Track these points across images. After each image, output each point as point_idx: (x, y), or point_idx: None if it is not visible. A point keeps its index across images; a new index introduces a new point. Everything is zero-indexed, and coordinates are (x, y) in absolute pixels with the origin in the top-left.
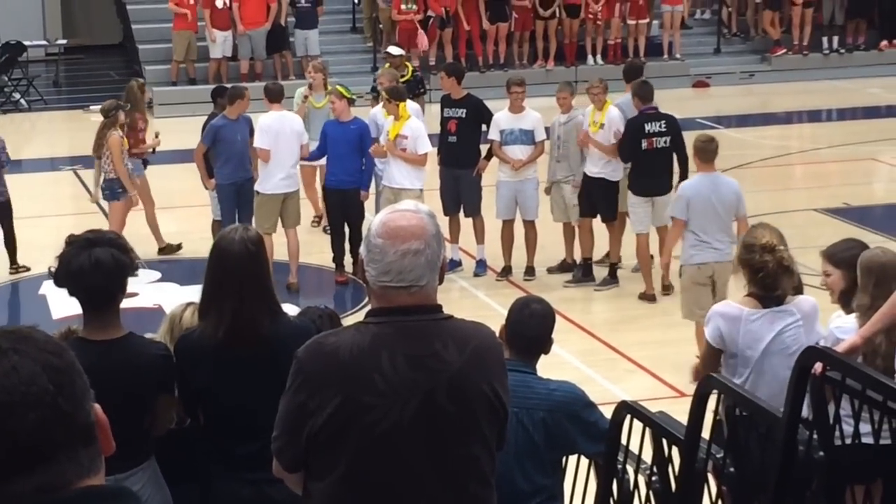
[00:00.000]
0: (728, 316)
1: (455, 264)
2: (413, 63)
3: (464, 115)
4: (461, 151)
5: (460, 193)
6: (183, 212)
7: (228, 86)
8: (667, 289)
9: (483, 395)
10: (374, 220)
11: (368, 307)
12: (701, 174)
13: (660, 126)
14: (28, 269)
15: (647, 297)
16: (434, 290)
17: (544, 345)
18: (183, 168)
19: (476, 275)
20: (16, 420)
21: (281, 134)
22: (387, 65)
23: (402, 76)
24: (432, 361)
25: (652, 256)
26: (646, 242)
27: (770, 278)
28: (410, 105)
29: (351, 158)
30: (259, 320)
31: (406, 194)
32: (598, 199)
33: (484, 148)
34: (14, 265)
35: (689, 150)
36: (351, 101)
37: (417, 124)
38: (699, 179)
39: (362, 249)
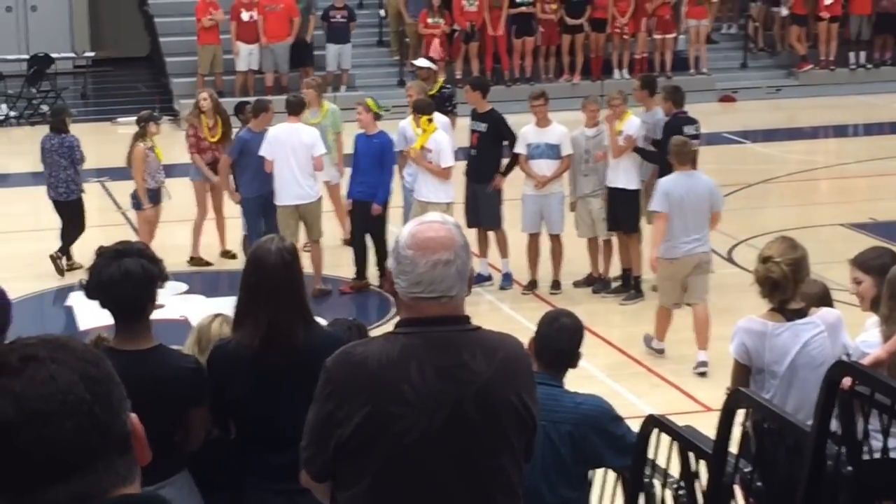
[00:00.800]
0: (752, 331)
1: (483, 278)
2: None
3: (485, 130)
4: (480, 165)
5: (478, 207)
6: (209, 224)
7: (250, 100)
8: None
9: (511, 406)
10: (401, 232)
11: (396, 319)
12: (679, 172)
13: (695, 129)
14: (81, 267)
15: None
16: (462, 300)
17: (572, 358)
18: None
19: (502, 288)
20: (52, 428)
21: (286, 145)
22: (440, 78)
23: (430, 90)
24: (461, 372)
25: None
26: None
27: (770, 288)
28: (439, 118)
29: (373, 172)
30: (294, 329)
31: (433, 208)
32: (619, 211)
33: (505, 162)
34: (60, 254)
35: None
36: (377, 116)
37: (442, 137)
38: (676, 177)
39: (391, 262)
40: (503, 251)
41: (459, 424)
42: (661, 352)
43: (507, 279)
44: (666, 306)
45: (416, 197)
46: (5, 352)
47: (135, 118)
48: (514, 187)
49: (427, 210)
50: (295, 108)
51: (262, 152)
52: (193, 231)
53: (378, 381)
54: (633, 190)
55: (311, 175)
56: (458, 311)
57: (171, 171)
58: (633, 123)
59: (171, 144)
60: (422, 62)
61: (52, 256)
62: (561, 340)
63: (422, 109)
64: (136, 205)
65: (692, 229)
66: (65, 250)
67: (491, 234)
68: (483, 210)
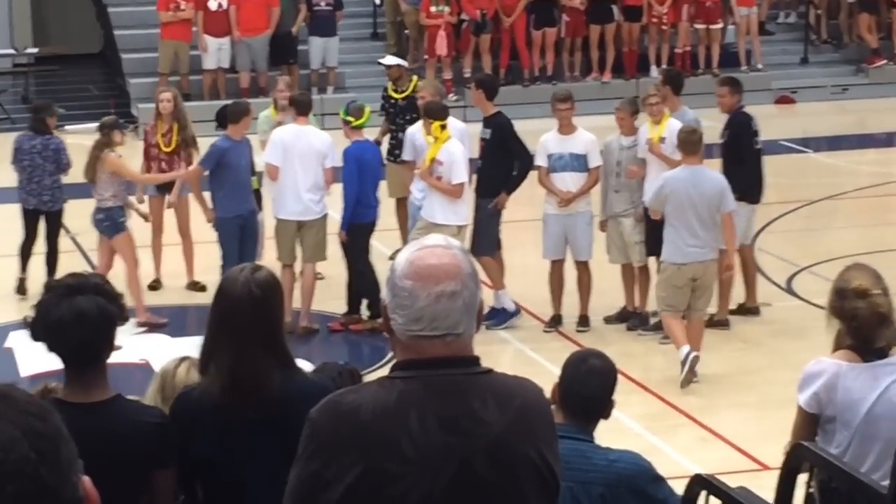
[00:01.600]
0: (823, 374)
1: (509, 315)
2: (442, 75)
3: (488, 137)
4: (481, 177)
5: (476, 226)
6: (173, 250)
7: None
8: (722, 324)
9: (530, 463)
10: (397, 258)
11: (394, 361)
12: (683, 167)
13: (758, 126)
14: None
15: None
16: (471, 338)
17: (603, 407)
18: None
19: (488, 328)
20: None
21: (294, 150)
22: (414, 78)
23: (403, 90)
24: (469, 423)
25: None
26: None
27: (865, 328)
28: (454, 124)
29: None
30: (262, 377)
31: (442, 231)
32: (661, 233)
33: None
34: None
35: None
36: (350, 124)
37: (455, 148)
38: (680, 172)
39: (385, 294)
40: (496, 281)
41: (469, 485)
42: (689, 356)
43: (503, 316)
44: (670, 314)
45: (423, 216)
46: None
47: (88, 125)
48: (533, 206)
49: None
50: (303, 108)
51: (266, 158)
52: (153, 253)
53: (372, 434)
54: None
55: (317, 188)
56: (466, 351)
57: (133, 186)
58: (674, 127)
59: (130, 156)
60: (389, 60)
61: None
62: (590, 386)
63: (433, 114)
64: (112, 227)
65: (699, 232)
66: (54, 271)
67: (487, 262)
68: (480, 229)
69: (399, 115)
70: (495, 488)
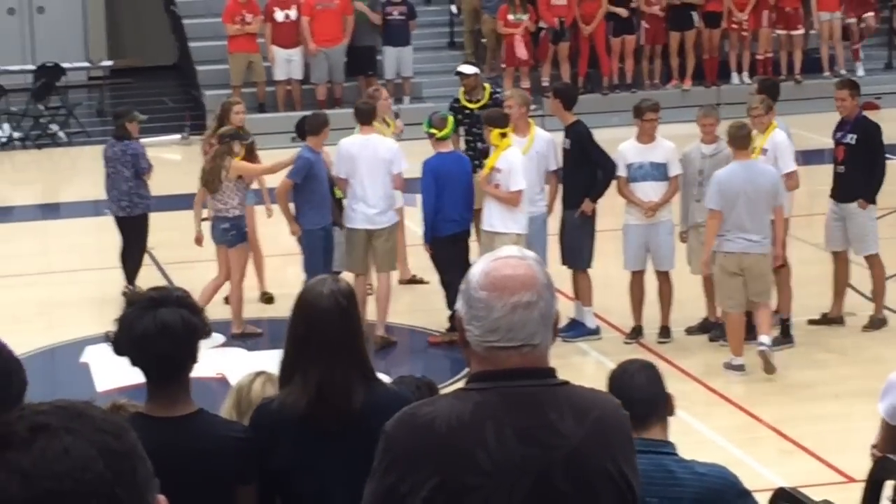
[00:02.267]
0: None
1: (589, 331)
2: (520, 84)
3: (569, 146)
4: (565, 188)
5: (563, 239)
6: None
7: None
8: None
9: (607, 476)
10: (472, 269)
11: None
12: (736, 162)
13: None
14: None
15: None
16: (547, 349)
17: (660, 404)
18: (260, 210)
19: (565, 340)
20: None
21: (360, 160)
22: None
23: (478, 100)
24: (546, 435)
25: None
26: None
27: None
28: (541, 134)
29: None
30: (351, 389)
31: (500, 239)
32: None
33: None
34: (131, 286)
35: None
36: (437, 136)
37: (514, 156)
38: (732, 167)
39: (460, 306)
40: (584, 297)
41: (545, 498)
42: (740, 369)
43: (580, 329)
44: (731, 310)
45: (482, 227)
46: (12, 420)
47: (164, 137)
48: (613, 216)
49: (494, 242)
50: (364, 116)
51: (334, 171)
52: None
53: (448, 446)
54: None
55: (387, 196)
56: (542, 362)
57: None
58: (777, 139)
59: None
60: (466, 68)
61: (124, 293)
62: (639, 387)
63: (493, 121)
64: (238, 237)
65: (750, 227)
66: (132, 279)
67: (578, 276)
68: (566, 243)
69: (475, 124)
70: (573, 502)
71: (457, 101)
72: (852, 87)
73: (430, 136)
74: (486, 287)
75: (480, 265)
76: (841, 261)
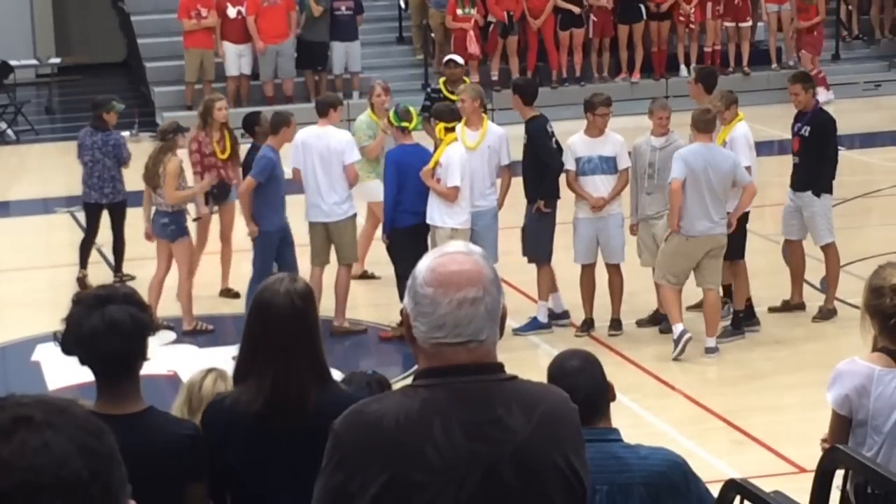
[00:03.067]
0: (856, 376)
1: (533, 322)
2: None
3: (526, 142)
4: (524, 182)
5: (523, 232)
6: (213, 258)
7: (260, 110)
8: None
9: (556, 470)
10: (418, 266)
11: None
12: (698, 143)
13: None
14: (133, 279)
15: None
16: (494, 345)
17: (603, 398)
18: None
19: (516, 333)
20: None
21: (314, 151)
22: (441, 79)
23: (460, 91)
24: (494, 430)
25: None
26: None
27: None
28: (494, 129)
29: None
30: (306, 389)
31: (438, 233)
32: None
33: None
34: (118, 273)
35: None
36: (402, 129)
37: (455, 152)
38: (695, 147)
39: (407, 301)
40: (541, 292)
41: (494, 493)
42: (685, 334)
43: (533, 324)
44: (666, 283)
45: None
46: None
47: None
48: (563, 209)
49: (434, 236)
50: (321, 107)
51: (291, 162)
52: (179, 273)
53: (397, 443)
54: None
55: (342, 188)
56: (490, 357)
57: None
58: (736, 133)
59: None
60: (458, 58)
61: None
62: (580, 386)
63: (440, 115)
64: (178, 231)
65: (711, 208)
66: (119, 266)
67: (541, 270)
68: (525, 237)
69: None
70: (521, 496)
71: (437, 90)
72: (805, 81)
73: (401, 129)
74: (431, 283)
75: (426, 261)
76: (797, 249)
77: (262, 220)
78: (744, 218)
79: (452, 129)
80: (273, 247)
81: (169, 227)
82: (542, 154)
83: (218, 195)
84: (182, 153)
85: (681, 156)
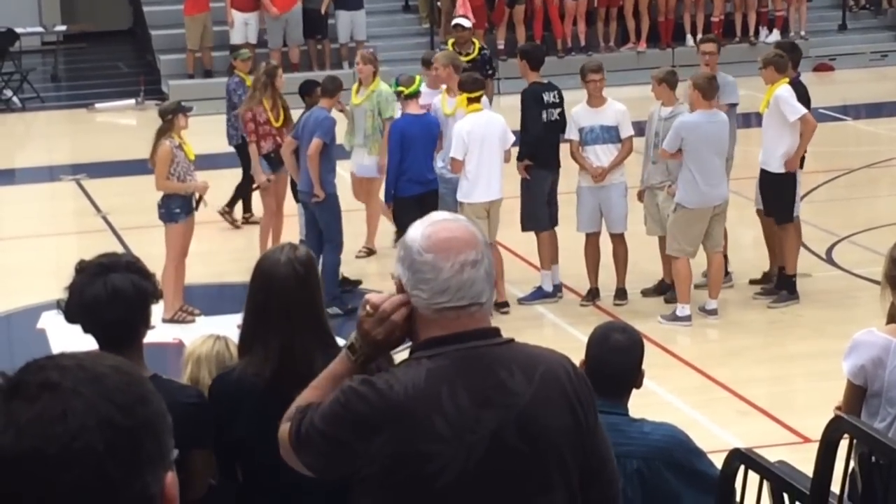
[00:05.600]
0: (872, 346)
1: (537, 291)
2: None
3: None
4: (520, 148)
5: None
6: (212, 228)
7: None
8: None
9: (561, 429)
10: (407, 236)
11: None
12: (700, 111)
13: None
14: (257, 223)
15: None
16: (490, 309)
17: (632, 381)
18: (213, 175)
19: (521, 303)
20: (47, 475)
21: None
22: (450, 41)
23: (469, 53)
24: (499, 394)
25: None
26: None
27: None
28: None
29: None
30: (312, 356)
31: (465, 209)
32: (770, 196)
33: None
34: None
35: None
36: (407, 95)
37: (460, 124)
38: (698, 116)
39: (402, 272)
40: (543, 260)
41: (502, 457)
42: (686, 320)
43: (538, 293)
44: (682, 254)
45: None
46: (29, 371)
47: (118, 103)
48: (566, 178)
49: (463, 211)
50: (326, 91)
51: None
52: (261, 236)
53: (405, 415)
54: (781, 174)
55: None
56: (488, 321)
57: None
58: (779, 93)
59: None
60: (464, 21)
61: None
62: (614, 364)
63: (461, 86)
64: (167, 215)
65: (712, 174)
66: (234, 203)
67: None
68: (522, 204)
69: None
70: (527, 457)
71: None
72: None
73: (398, 94)
74: (430, 249)
75: (418, 230)
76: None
77: (326, 185)
78: (792, 180)
79: (477, 100)
80: (339, 209)
81: (160, 210)
82: (524, 119)
83: (274, 161)
84: (184, 143)
85: (676, 129)
